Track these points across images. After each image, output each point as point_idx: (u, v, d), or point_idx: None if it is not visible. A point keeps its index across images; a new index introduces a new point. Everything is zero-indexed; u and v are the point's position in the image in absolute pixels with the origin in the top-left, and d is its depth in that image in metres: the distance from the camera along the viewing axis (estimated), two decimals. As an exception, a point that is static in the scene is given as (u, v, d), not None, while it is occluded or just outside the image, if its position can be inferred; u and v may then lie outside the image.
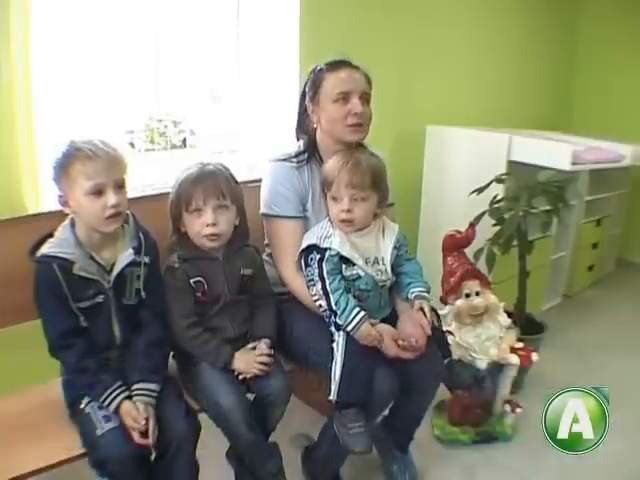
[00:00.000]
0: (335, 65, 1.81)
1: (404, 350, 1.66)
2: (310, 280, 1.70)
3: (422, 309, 1.72)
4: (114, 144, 1.48)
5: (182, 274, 1.63)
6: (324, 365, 1.66)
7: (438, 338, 1.83)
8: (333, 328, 1.67)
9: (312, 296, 1.70)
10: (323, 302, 1.66)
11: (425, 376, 1.78)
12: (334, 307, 1.64)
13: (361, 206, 1.68)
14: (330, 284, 1.64)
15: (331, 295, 1.64)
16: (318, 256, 1.67)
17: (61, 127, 2.07)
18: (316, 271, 1.67)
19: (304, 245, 1.72)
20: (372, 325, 1.65)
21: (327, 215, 1.76)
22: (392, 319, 1.77)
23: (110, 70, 2.28)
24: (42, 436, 1.49)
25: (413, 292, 1.76)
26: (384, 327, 1.70)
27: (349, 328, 1.63)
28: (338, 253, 1.66)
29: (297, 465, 2.00)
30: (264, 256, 1.93)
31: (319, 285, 1.66)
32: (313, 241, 1.69)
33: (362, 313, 1.63)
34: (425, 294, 1.76)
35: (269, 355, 1.66)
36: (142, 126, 2.53)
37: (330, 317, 1.66)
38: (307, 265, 1.71)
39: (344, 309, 1.63)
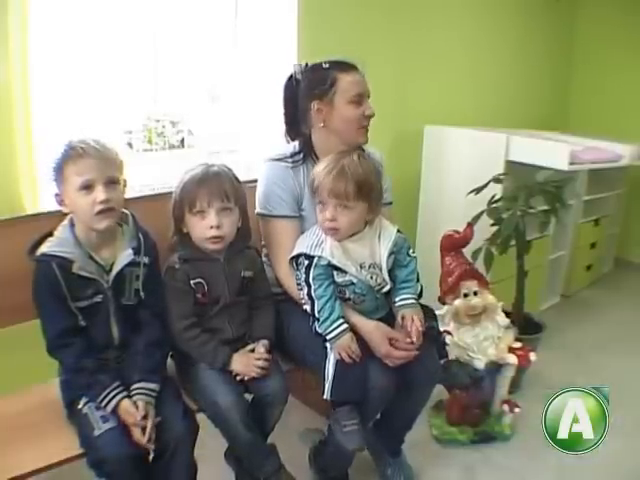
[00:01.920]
0: (345, 66, 1.81)
1: (396, 349, 1.66)
2: (298, 284, 1.70)
3: (406, 317, 1.70)
4: (108, 143, 1.50)
5: (182, 275, 1.63)
6: (321, 364, 1.66)
7: (434, 339, 1.83)
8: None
9: (300, 299, 1.70)
10: (308, 307, 1.66)
11: (420, 376, 1.77)
12: (317, 314, 1.63)
13: (346, 215, 1.64)
14: (315, 290, 1.64)
15: (316, 302, 1.64)
16: (306, 262, 1.66)
17: (59, 127, 2.07)
18: (303, 276, 1.66)
19: (295, 253, 1.71)
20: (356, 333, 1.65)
21: None
22: (388, 320, 1.76)
23: (108, 70, 2.28)
24: (41, 436, 1.49)
25: (395, 302, 1.74)
26: (377, 325, 1.69)
27: (328, 337, 1.63)
28: (329, 262, 1.65)
29: (301, 463, 1.99)
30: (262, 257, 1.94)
31: (305, 290, 1.66)
32: (303, 250, 1.68)
33: (344, 326, 1.63)
34: (407, 301, 1.72)
35: (267, 360, 1.65)
36: (140, 126, 2.52)
37: (313, 322, 1.66)
38: (297, 269, 1.71)
39: (326, 318, 1.62)
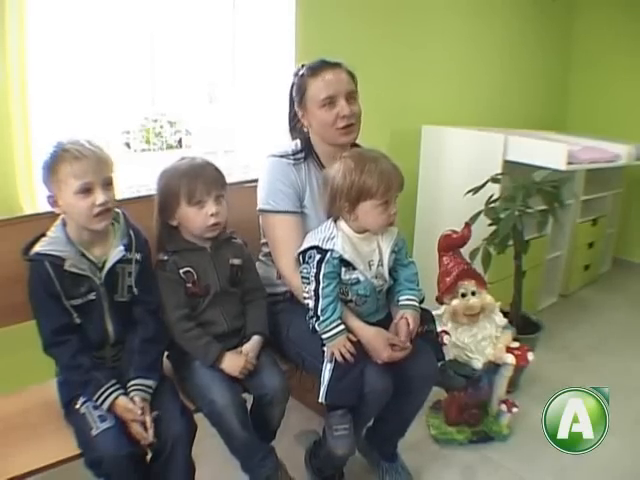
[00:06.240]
0: (316, 69, 1.80)
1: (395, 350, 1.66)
2: (305, 278, 1.68)
3: (408, 318, 1.71)
4: (100, 144, 1.50)
5: (172, 265, 1.66)
6: (318, 368, 1.67)
7: (431, 341, 1.83)
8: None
9: (303, 292, 1.69)
10: (311, 303, 1.65)
11: (418, 379, 1.77)
12: (319, 313, 1.63)
13: (396, 205, 1.70)
14: (324, 288, 1.63)
15: (321, 300, 1.63)
16: (318, 256, 1.65)
17: (57, 128, 2.06)
18: (313, 271, 1.65)
19: (305, 246, 1.70)
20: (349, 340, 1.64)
21: (328, 215, 1.74)
22: (387, 322, 1.76)
23: (106, 70, 2.28)
24: (39, 436, 1.49)
25: (400, 301, 1.75)
26: (378, 331, 1.69)
27: (324, 337, 1.63)
28: (340, 256, 1.65)
29: (298, 463, 1.99)
30: (260, 256, 1.93)
31: (313, 285, 1.64)
32: (315, 243, 1.67)
33: (341, 327, 1.63)
34: (412, 302, 1.74)
35: (252, 364, 1.66)
36: (138, 126, 2.52)
37: (312, 318, 1.65)
38: (305, 262, 1.69)
39: (327, 318, 1.62)
